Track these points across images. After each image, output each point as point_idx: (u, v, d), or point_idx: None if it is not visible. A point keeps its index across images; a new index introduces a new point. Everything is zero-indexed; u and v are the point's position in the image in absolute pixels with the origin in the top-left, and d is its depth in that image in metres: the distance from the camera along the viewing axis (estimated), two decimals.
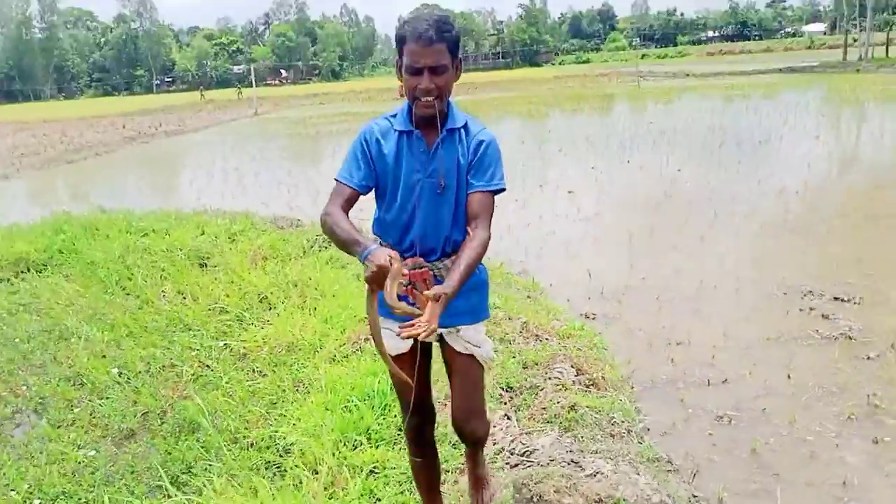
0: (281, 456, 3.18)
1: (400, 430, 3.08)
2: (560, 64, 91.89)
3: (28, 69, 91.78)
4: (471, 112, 2.34)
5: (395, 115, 2.27)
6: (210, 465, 3.18)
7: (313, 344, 4.34)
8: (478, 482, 2.60)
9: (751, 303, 5.18)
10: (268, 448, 3.27)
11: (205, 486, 2.90)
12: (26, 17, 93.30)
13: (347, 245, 2.03)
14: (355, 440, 3.10)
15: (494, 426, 3.21)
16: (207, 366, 4.39)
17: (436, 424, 2.52)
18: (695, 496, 2.87)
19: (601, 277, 5.82)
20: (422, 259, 2.22)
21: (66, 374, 4.39)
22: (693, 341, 4.50)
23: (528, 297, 5.39)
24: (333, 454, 2.99)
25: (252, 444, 3.34)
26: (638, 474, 2.80)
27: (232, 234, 6.96)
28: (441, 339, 2.34)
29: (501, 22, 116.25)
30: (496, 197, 2.25)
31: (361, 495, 2.76)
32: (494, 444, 3.15)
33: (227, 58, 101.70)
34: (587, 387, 3.73)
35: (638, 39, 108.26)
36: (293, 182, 12.11)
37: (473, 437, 2.43)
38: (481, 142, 2.22)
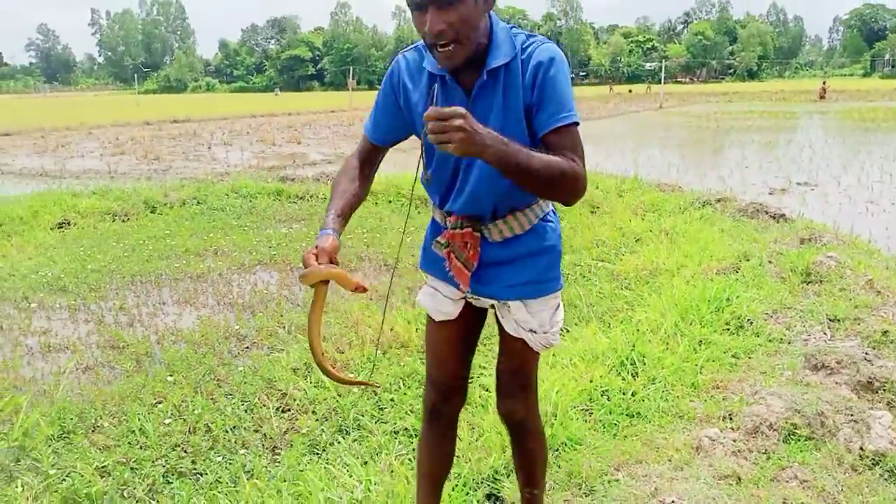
0: (636, 327, 4.21)
1: None
2: None
3: None
4: None
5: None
6: (577, 322, 4.36)
7: (671, 269, 5.27)
8: None
9: None
10: (627, 320, 4.35)
11: (575, 330, 4.10)
12: None
13: (326, 214, 1.73)
14: (691, 319, 4.01)
15: None
16: (586, 276, 5.60)
17: (462, 405, 2.11)
18: None
19: None
20: (465, 218, 1.79)
21: None
22: None
23: None
24: (675, 323, 3.94)
25: (605, 315, 4.45)
26: None
27: (621, 191, 8.16)
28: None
29: None
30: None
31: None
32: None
33: (641, 55, 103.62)
34: None
35: None
36: (684, 164, 12.85)
37: (510, 418, 2.04)
38: (540, 64, 1.67)
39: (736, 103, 38.57)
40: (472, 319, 1.97)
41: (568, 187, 1.63)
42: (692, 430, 2.83)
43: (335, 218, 1.69)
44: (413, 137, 1.85)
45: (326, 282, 1.62)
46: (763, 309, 4.19)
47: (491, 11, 1.70)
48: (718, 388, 3.23)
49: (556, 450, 2.70)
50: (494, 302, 1.88)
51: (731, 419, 2.88)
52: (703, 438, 2.67)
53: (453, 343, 1.99)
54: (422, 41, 1.72)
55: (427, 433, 2.08)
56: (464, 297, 1.92)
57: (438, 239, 1.83)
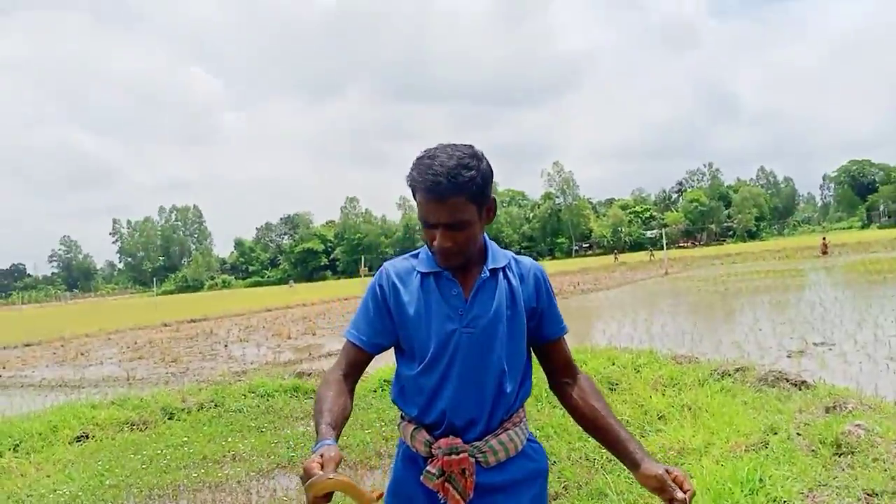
0: None
1: None
2: None
3: None
4: None
5: (417, 255, 1.86)
6: None
7: (698, 449, 5.15)
8: None
9: None
10: None
11: None
12: None
13: (318, 427, 1.63)
14: None
15: None
16: (613, 460, 5.47)
17: None
18: None
19: None
20: (459, 440, 1.73)
21: None
22: None
23: None
24: None
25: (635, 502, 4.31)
26: None
27: (637, 366, 8.13)
28: None
29: None
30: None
31: None
32: None
33: (640, 224, 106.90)
34: None
35: None
36: (697, 332, 12.88)
37: None
38: (539, 275, 1.86)
39: (740, 264, 39.22)
40: None
41: None
42: None
43: (329, 429, 1.60)
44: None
45: (330, 496, 1.48)
46: (798, 488, 4.06)
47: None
48: None
49: None
50: None
51: None
52: None
53: None
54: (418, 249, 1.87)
55: None
56: None
57: (429, 469, 1.72)
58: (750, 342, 11.01)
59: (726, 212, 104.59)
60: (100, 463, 6.60)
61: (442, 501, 1.71)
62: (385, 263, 1.90)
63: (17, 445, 7.22)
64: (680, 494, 1.59)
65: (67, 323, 34.16)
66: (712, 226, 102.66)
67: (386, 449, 6.29)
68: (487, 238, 1.85)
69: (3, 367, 16.55)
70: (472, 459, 1.71)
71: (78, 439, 7.63)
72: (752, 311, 15.81)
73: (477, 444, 1.73)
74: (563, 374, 1.89)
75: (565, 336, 1.90)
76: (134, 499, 5.54)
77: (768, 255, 44.44)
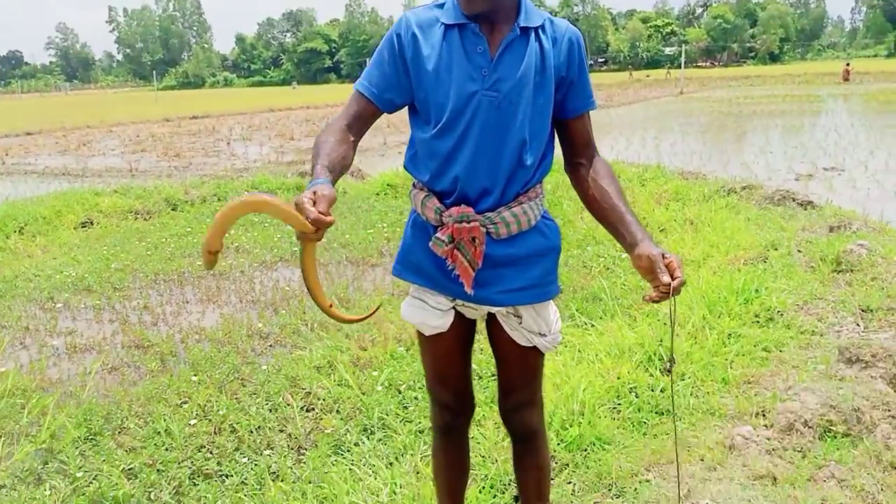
0: (663, 320, 4.16)
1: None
2: None
3: None
4: None
5: (442, 5, 1.68)
6: (602, 316, 4.30)
7: (697, 260, 5.18)
8: None
9: None
10: (654, 314, 4.29)
11: (600, 323, 4.05)
12: None
13: (312, 168, 1.53)
14: (719, 311, 3.94)
15: None
16: (610, 268, 5.53)
17: (472, 416, 2.02)
18: None
19: None
20: (470, 209, 1.64)
21: None
22: None
23: None
24: (703, 317, 3.87)
25: (631, 308, 4.38)
26: None
27: (643, 179, 8.06)
28: (490, 316, 1.80)
29: None
30: None
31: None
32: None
33: (660, 39, 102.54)
34: None
35: None
36: (706, 151, 12.69)
37: (524, 431, 1.92)
38: (574, 41, 1.67)
39: (758, 87, 38.05)
40: (464, 327, 1.82)
41: None
42: (724, 427, 2.77)
43: (324, 170, 1.49)
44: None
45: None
46: (793, 300, 4.10)
47: None
48: (750, 383, 3.16)
49: (585, 450, 2.65)
50: (497, 310, 1.75)
51: (764, 416, 2.81)
52: (736, 437, 2.61)
53: (451, 356, 1.86)
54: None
55: (440, 448, 2.00)
56: (453, 307, 1.77)
57: (439, 235, 1.66)
58: (759, 164, 10.86)
59: (750, 31, 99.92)
60: (105, 248, 6.71)
61: (450, 268, 1.67)
62: (406, 12, 1.70)
63: (23, 228, 7.30)
64: (666, 278, 1.50)
65: (68, 114, 33.78)
66: (734, 45, 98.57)
67: (388, 248, 6.36)
68: None
69: (7, 154, 16.50)
70: (483, 229, 1.64)
71: (83, 225, 7.72)
72: (765, 133, 15.50)
73: (489, 214, 1.64)
74: (581, 154, 1.76)
75: (589, 113, 1.75)
76: (139, 282, 5.66)
77: (788, 80, 43.04)
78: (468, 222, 1.63)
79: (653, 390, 3.09)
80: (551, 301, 1.80)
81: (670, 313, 1.63)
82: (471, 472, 2.41)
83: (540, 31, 1.64)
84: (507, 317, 1.75)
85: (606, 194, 1.69)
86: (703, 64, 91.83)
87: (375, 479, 2.53)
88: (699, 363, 3.30)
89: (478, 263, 1.66)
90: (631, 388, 3.11)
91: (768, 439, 2.62)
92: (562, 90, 1.68)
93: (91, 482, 2.75)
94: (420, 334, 1.84)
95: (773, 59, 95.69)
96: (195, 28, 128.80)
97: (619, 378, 3.15)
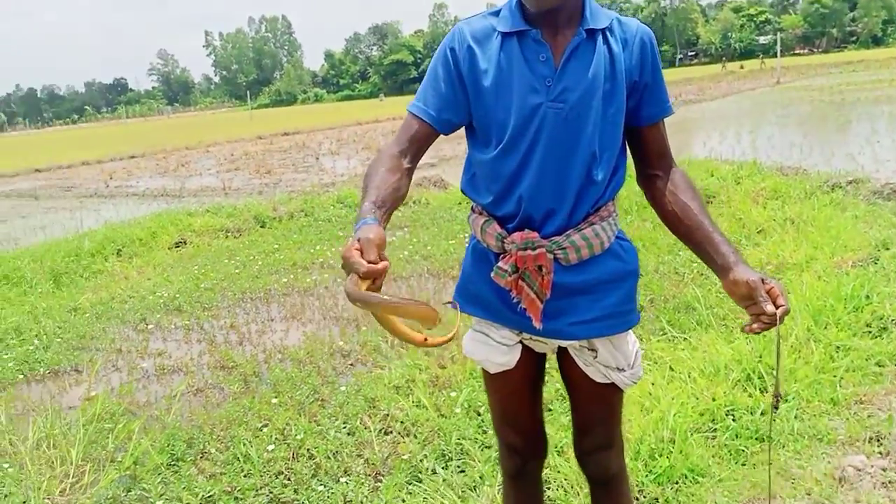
0: (764, 335, 3.87)
1: None
2: None
3: None
4: None
5: (497, 12, 1.54)
6: (696, 328, 4.03)
7: (800, 264, 4.81)
8: None
9: None
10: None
11: (694, 336, 3.79)
12: None
13: (360, 207, 1.34)
14: (825, 322, 3.61)
15: None
16: (704, 274, 5.21)
17: (545, 459, 1.86)
18: None
19: None
20: (535, 234, 1.49)
21: None
22: None
23: None
24: (807, 328, 3.56)
25: (727, 318, 4.08)
26: None
27: (738, 178, 7.63)
28: (562, 349, 1.65)
29: None
30: None
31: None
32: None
33: (753, 29, 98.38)
34: None
35: None
36: (807, 144, 11.96)
37: (602, 475, 1.75)
38: (647, 42, 1.52)
39: (861, 72, 35.82)
40: (533, 363, 1.67)
41: None
42: (833, 456, 2.50)
43: (373, 207, 1.31)
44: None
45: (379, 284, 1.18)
46: None
47: None
48: (862, 403, 2.86)
49: (676, 482, 2.43)
50: (569, 344, 1.58)
51: (878, 442, 2.52)
52: (847, 467, 2.34)
53: (519, 395, 1.70)
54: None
55: (510, 494, 1.83)
56: (520, 341, 1.62)
57: (501, 265, 1.51)
58: (865, 155, 10.12)
59: (850, 15, 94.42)
60: (196, 267, 6.89)
61: (514, 300, 1.52)
62: (459, 23, 1.56)
63: (121, 250, 7.61)
64: (770, 308, 1.33)
65: (169, 136, 35.46)
66: (833, 30, 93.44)
67: None
68: None
69: (111, 178, 17.42)
70: (551, 256, 1.48)
71: (176, 245, 7.99)
72: (870, 122, 14.51)
73: (556, 238, 1.48)
74: (656, 166, 1.59)
75: (665, 121, 1.58)
76: (227, 301, 5.76)
77: (893, 64, 40.33)
78: (533, 249, 1.48)
79: (752, 413, 2.84)
80: (630, 331, 1.62)
81: (776, 346, 1.44)
82: None
83: (608, 32, 1.49)
84: (581, 351, 1.59)
85: (689, 210, 1.51)
86: (801, 51, 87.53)
87: None
88: (804, 381, 3.02)
89: (546, 294, 1.51)
90: (728, 412, 2.86)
91: (884, 470, 2.34)
92: (634, 96, 1.52)
93: None
94: (485, 371, 1.69)
95: (876, 42, 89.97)
96: (286, 47, 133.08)
97: (714, 400, 2.90)
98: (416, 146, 1.52)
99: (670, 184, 1.56)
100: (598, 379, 1.60)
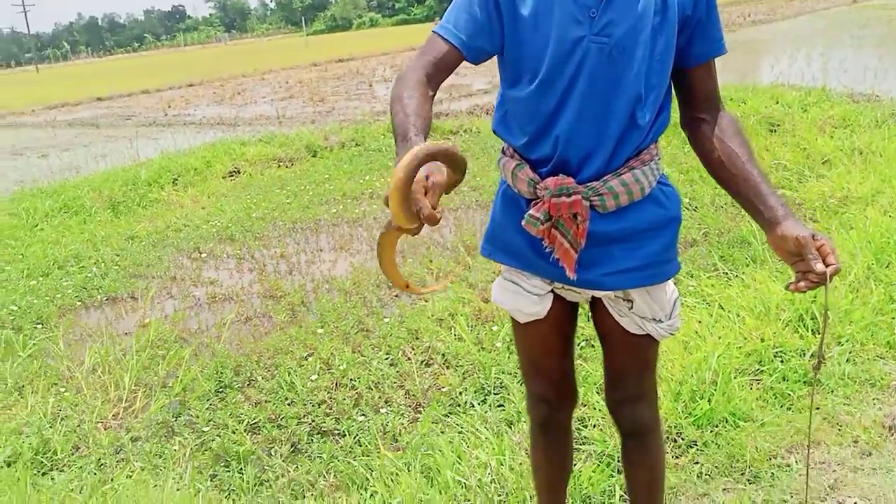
0: None
1: None
2: None
3: None
4: None
5: None
6: (750, 264, 3.89)
7: (865, 197, 4.58)
8: None
9: None
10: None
11: (746, 273, 3.66)
12: None
13: (395, 136, 1.27)
14: (888, 261, 3.44)
15: None
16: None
17: (574, 409, 1.82)
18: None
19: None
20: (571, 180, 1.41)
21: None
22: None
23: None
24: (868, 266, 3.40)
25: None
26: None
27: (805, 105, 7.25)
28: (595, 299, 1.57)
29: None
30: None
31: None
32: None
33: None
34: None
35: None
36: (883, 66, 11.26)
37: (633, 427, 1.69)
38: None
39: None
40: (564, 313, 1.59)
41: None
42: (885, 402, 2.40)
43: (419, 137, 1.21)
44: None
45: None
46: None
47: None
48: None
49: (716, 426, 2.37)
50: (604, 294, 1.51)
51: None
52: None
53: (549, 346, 1.63)
54: None
55: (539, 443, 1.78)
56: (552, 290, 1.54)
57: (532, 213, 1.42)
58: None
59: None
60: (248, 196, 6.97)
61: (547, 250, 1.44)
62: None
63: (176, 179, 7.74)
64: (820, 266, 1.25)
65: (225, 64, 35.57)
66: None
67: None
68: None
69: (169, 106, 17.63)
70: (587, 203, 1.39)
71: (230, 174, 8.08)
72: None
73: (593, 184, 1.39)
74: (703, 109, 1.48)
75: (716, 61, 1.46)
76: (279, 231, 5.83)
77: None
78: (568, 196, 1.39)
79: (803, 355, 2.74)
80: (669, 281, 1.53)
81: (824, 307, 1.35)
82: (585, 447, 2.24)
83: None
84: (616, 301, 1.51)
85: (735, 157, 1.41)
86: None
87: (484, 451, 2.41)
88: (860, 323, 2.88)
89: (581, 244, 1.42)
90: (777, 353, 2.77)
91: None
92: (686, 32, 1.40)
93: (217, 436, 2.84)
94: (514, 320, 1.62)
95: None
96: None
97: (762, 341, 2.81)
98: (442, 72, 1.42)
99: (717, 129, 1.46)
100: (633, 330, 1.53)
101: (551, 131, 1.40)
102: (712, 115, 1.47)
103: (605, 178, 1.40)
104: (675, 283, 1.57)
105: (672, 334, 1.57)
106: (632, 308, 1.51)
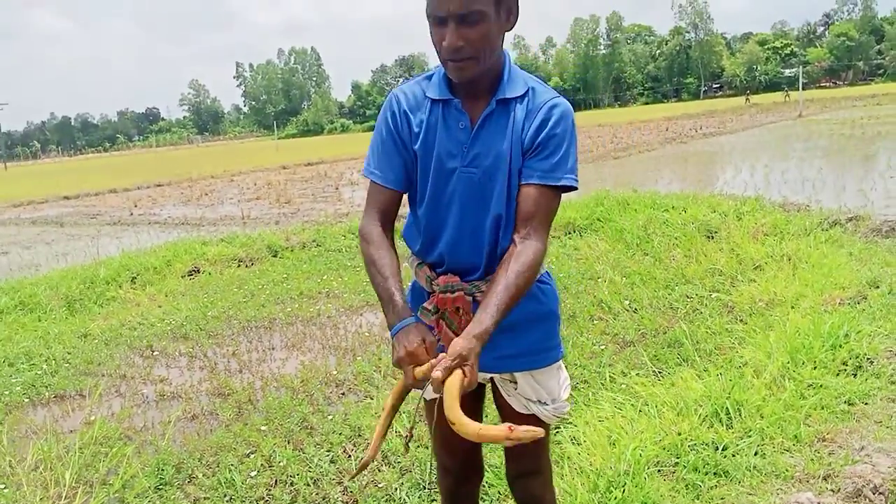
0: (739, 368, 3.92)
1: None
2: None
3: (591, 81, 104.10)
4: None
5: (430, 77, 1.67)
6: (680, 363, 4.10)
7: (789, 300, 4.86)
8: None
9: None
10: (729, 362, 4.04)
11: (674, 372, 3.86)
12: (594, 35, 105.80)
13: (380, 299, 1.55)
14: (801, 359, 3.66)
15: None
16: (697, 309, 5.28)
17: (481, 482, 1.98)
18: None
19: None
20: (457, 279, 1.64)
21: (593, 301, 5.76)
22: None
23: None
24: (783, 364, 3.61)
25: (713, 354, 4.14)
26: None
27: (739, 213, 7.69)
28: (492, 380, 1.78)
29: None
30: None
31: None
32: None
33: (778, 61, 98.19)
34: None
35: None
36: (820, 179, 11.96)
37: (529, 499, 1.86)
38: (552, 109, 1.58)
39: (885, 106, 35.67)
40: (468, 392, 1.68)
41: (532, 279, 1.55)
42: (787, 492, 2.56)
43: (406, 306, 1.54)
44: None
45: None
46: (888, 346, 3.77)
47: (506, 51, 1.62)
48: (824, 441, 2.91)
49: None
50: (494, 376, 1.74)
51: (832, 479, 2.57)
52: None
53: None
54: (419, 75, 1.72)
55: None
56: None
57: (425, 305, 1.66)
58: (877, 190, 10.13)
59: (877, 48, 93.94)
60: (206, 295, 7.08)
61: (437, 337, 1.62)
62: (394, 90, 1.72)
63: (135, 278, 7.83)
64: (436, 373, 1.45)
65: (196, 165, 36.13)
66: (860, 63, 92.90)
67: None
68: (510, 60, 1.63)
69: (136, 206, 17.83)
70: (469, 298, 1.63)
71: (190, 273, 8.19)
72: (888, 156, 14.46)
73: (476, 282, 1.64)
74: (518, 228, 1.59)
75: (555, 191, 1.59)
76: (233, 329, 5.92)
77: None
78: (452, 292, 1.64)
79: (716, 448, 2.91)
80: (559, 368, 1.75)
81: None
82: None
83: (521, 100, 1.60)
84: (504, 382, 1.74)
85: (496, 275, 1.55)
86: (826, 84, 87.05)
87: None
88: (770, 418, 3.07)
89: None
90: (692, 446, 2.93)
91: None
92: (529, 153, 1.60)
93: None
94: (423, 398, 1.80)
95: None
96: (314, 79, 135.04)
97: (679, 434, 2.98)
98: (392, 214, 1.67)
99: (513, 249, 1.57)
100: (520, 409, 1.73)
101: (437, 245, 1.67)
102: (521, 238, 1.57)
103: (488, 277, 1.62)
104: (580, 378, 1.75)
105: (558, 417, 1.75)
106: (517, 389, 1.72)
